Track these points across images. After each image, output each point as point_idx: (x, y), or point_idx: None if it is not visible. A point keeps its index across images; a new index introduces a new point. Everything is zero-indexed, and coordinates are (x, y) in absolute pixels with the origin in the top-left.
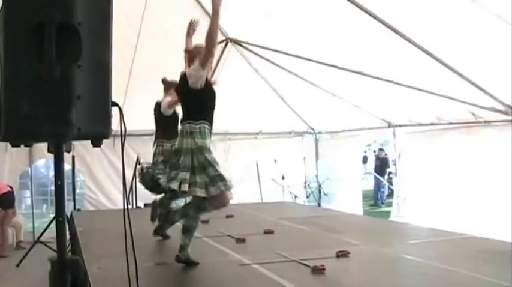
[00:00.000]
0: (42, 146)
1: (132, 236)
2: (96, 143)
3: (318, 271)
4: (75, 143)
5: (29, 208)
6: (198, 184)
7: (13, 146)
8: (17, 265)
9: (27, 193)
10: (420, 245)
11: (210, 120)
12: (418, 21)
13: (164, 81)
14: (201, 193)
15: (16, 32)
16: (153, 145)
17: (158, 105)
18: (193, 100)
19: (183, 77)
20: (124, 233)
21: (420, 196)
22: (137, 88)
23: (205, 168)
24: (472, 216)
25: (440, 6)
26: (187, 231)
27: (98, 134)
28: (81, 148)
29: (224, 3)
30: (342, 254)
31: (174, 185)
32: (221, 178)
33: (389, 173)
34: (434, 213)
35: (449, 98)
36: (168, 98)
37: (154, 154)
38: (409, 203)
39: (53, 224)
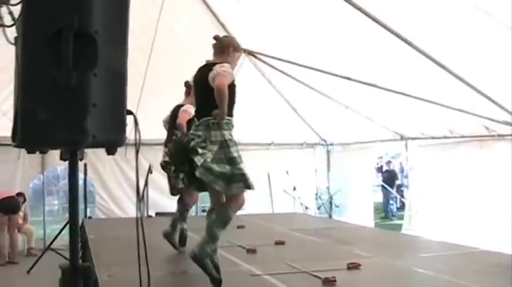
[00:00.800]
0: (55, 154)
1: (145, 244)
2: (111, 151)
3: (328, 282)
4: (87, 151)
5: (54, 215)
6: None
7: (28, 152)
8: (28, 272)
9: (51, 199)
10: (431, 259)
11: (232, 115)
12: (432, 34)
13: (187, 84)
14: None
15: (34, 39)
16: (164, 146)
17: (178, 107)
18: (211, 96)
19: (205, 68)
20: (135, 242)
21: (432, 209)
22: (149, 97)
23: (235, 163)
24: (485, 230)
25: (454, 19)
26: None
27: (113, 142)
28: (93, 156)
29: (239, 14)
30: (353, 266)
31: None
32: (245, 177)
33: (398, 185)
34: (446, 226)
35: (462, 111)
36: (188, 109)
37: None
38: (420, 217)
39: (64, 232)
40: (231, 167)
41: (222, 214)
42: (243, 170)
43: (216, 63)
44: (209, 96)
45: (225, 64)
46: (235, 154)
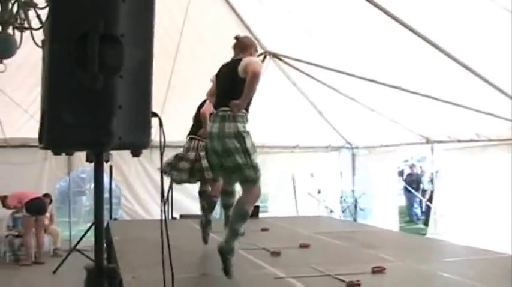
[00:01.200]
0: (81, 155)
1: (169, 246)
2: (136, 153)
3: (353, 286)
4: (112, 152)
5: (82, 215)
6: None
7: (55, 154)
8: (54, 272)
9: (85, 200)
10: (457, 263)
11: (248, 110)
12: (458, 36)
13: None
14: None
15: (60, 42)
16: (186, 138)
17: (204, 102)
18: (238, 87)
19: (233, 62)
20: (159, 243)
21: (458, 214)
22: (174, 100)
23: (250, 153)
24: None
25: (480, 21)
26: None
27: (138, 143)
28: (119, 158)
29: (263, 16)
30: (377, 270)
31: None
32: (257, 167)
33: (423, 190)
34: (472, 231)
35: (490, 114)
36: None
37: (188, 149)
38: (446, 221)
39: (89, 233)
40: (246, 159)
41: (239, 210)
42: (255, 161)
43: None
44: (233, 88)
45: (254, 57)
46: (249, 145)
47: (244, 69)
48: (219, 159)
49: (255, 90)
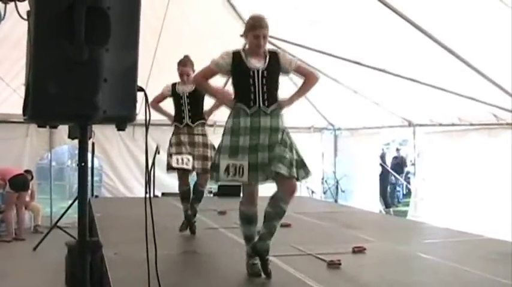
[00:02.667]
0: (63, 132)
1: (153, 223)
2: (121, 127)
3: (333, 265)
4: (95, 130)
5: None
6: None
7: (39, 126)
8: (34, 249)
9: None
10: (436, 245)
11: (246, 100)
12: (443, 20)
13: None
14: None
15: (47, 13)
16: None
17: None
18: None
19: None
20: (141, 220)
21: (438, 197)
22: (158, 78)
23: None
24: (490, 218)
25: (465, 6)
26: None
27: (123, 117)
28: (101, 135)
29: None
30: (358, 250)
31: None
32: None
33: (407, 172)
34: (451, 214)
35: (472, 98)
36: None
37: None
38: (426, 204)
39: (71, 210)
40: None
41: None
42: (213, 160)
43: None
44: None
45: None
46: (220, 144)
47: None
48: None
49: (205, 88)
